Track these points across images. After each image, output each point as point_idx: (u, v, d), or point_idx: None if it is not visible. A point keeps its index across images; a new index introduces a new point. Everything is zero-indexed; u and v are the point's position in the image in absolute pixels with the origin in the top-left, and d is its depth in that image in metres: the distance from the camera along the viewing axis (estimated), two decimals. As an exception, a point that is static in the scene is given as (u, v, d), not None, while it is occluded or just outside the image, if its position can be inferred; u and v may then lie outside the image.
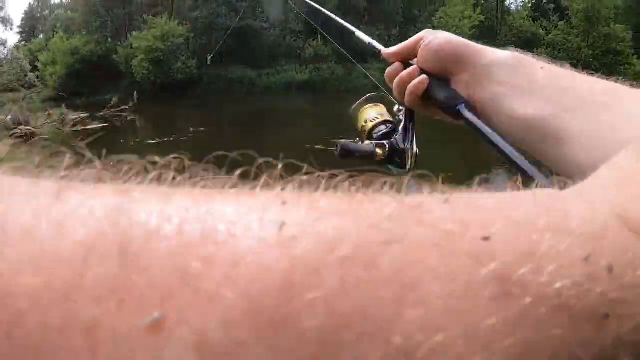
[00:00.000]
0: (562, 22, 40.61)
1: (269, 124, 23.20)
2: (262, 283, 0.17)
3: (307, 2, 1.44)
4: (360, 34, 1.06)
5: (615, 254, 0.22)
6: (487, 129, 0.71)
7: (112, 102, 14.61)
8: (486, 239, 0.21)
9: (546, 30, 41.97)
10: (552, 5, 46.11)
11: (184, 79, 39.14)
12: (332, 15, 1.24)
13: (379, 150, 0.88)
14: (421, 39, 0.83)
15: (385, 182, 0.24)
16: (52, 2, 67.69)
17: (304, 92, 36.05)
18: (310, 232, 0.19)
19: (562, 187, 0.28)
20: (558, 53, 36.87)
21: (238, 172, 0.23)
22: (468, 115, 0.75)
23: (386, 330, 0.18)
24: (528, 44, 38.56)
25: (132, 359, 0.16)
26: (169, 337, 0.16)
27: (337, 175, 0.24)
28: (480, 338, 0.18)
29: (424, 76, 0.81)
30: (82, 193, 0.19)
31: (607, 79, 0.66)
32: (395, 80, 0.85)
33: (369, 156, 0.88)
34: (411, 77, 0.82)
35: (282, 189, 0.23)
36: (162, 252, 0.17)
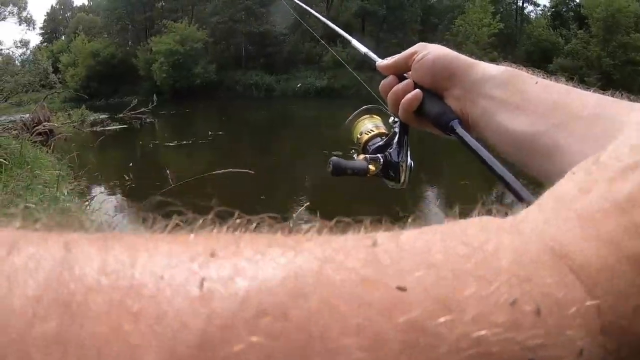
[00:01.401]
0: (581, 31, 40.27)
1: (286, 129, 23.22)
2: (181, 339, 0.18)
3: (307, 9, 1.44)
4: (356, 44, 1.04)
5: (545, 294, 0.22)
6: (478, 146, 0.70)
7: (131, 105, 14.71)
8: (402, 289, 0.21)
9: (565, 38, 41.64)
10: (571, 14, 45.77)
11: (203, 83, 39.38)
12: (331, 24, 1.25)
13: (371, 167, 0.87)
14: (415, 53, 0.82)
15: (312, 227, 0.25)
16: (74, 5, 68.57)
17: (322, 98, 36.07)
18: (229, 287, 0.20)
19: (505, 214, 0.28)
20: (577, 62, 36.59)
21: (174, 220, 0.24)
22: (460, 131, 0.74)
23: None
24: (547, 53, 38.29)
25: None
26: None
27: (272, 218, 0.25)
28: None
29: (417, 91, 0.80)
30: (33, 245, 0.21)
31: (604, 93, 0.63)
32: (390, 94, 0.84)
33: (362, 172, 0.87)
34: (405, 91, 0.81)
35: (217, 233, 0.24)
36: (99, 307, 0.19)
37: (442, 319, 0.20)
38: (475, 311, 0.21)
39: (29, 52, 51.98)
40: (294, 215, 3.87)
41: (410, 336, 0.20)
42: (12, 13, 54.43)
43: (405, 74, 0.85)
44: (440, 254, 0.23)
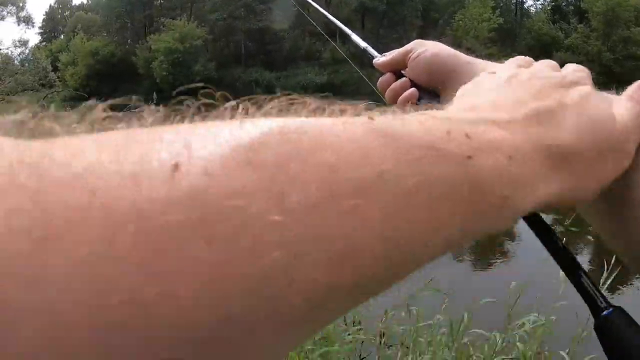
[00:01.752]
0: (582, 25, 40.20)
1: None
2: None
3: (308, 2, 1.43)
4: (355, 38, 1.01)
5: (471, 129, 0.30)
6: None
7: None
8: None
9: (565, 33, 41.57)
10: (571, 8, 45.69)
11: (202, 80, 39.20)
12: (330, 17, 1.24)
13: None
14: (411, 51, 0.80)
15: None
16: (73, 4, 68.48)
17: (322, 94, 35.96)
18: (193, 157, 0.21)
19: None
20: (578, 57, 36.50)
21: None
22: None
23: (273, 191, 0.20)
24: (547, 47, 38.19)
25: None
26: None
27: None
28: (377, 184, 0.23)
29: (413, 90, 0.79)
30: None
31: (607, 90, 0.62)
32: (387, 91, 0.83)
33: None
34: (403, 89, 0.80)
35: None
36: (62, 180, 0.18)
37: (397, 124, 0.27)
38: (421, 135, 0.27)
39: (27, 51, 52.01)
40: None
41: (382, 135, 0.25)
42: (10, 13, 54.47)
43: (402, 71, 0.83)
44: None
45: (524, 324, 3.04)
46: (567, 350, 3.01)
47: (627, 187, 0.43)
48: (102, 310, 0.16)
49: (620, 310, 0.40)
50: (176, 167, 0.19)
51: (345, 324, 3.39)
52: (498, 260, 6.21)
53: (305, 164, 0.21)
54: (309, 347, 2.71)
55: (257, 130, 0.22)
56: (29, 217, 0.16)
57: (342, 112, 0.29)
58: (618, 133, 0.37)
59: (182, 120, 0.25)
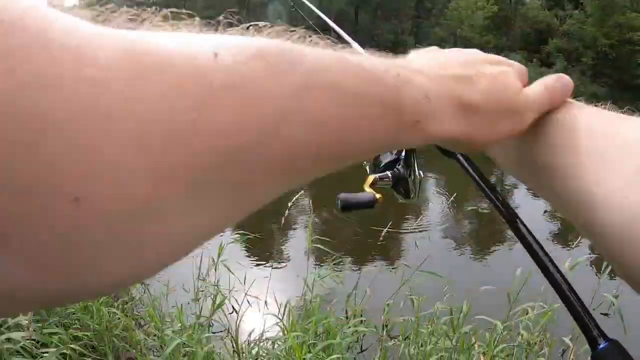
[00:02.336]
0: (577, 11, 40.15)
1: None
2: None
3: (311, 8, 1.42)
4: (356, 46, 0.98)
5: (402, 72, 0.38)
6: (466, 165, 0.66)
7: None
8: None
9: (560, 19, 41.49)
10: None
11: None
12: (319, 13, 1.23)
13: (378, 195, 0.85)
14: None
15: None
16: (65, 5, 68.12)
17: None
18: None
19: None
20: (574, 43, 36.49)
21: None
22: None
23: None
24: (543, 34, 38.14)
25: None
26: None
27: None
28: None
29: None
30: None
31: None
32: None
33: (370, 204, 0.85)
34: None
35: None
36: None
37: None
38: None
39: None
40: (289, 204, 3.84)
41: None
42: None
43: None
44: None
45: (527, 311, 3.05)
46: (569, 337, 3.02)
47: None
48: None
49: (615, 343, 0.42)
50: (215, 55, 0.26)
51: (347, 317, 3.40)
52: (500, 249, 6.21)
53: (296, 64, 0.29)
54: (312, 341, 2.72)
55: (264, 40, 0.30)
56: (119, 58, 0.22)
57: (316, 44, 0.36)
58: (520, 104, 0.46)
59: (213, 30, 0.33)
